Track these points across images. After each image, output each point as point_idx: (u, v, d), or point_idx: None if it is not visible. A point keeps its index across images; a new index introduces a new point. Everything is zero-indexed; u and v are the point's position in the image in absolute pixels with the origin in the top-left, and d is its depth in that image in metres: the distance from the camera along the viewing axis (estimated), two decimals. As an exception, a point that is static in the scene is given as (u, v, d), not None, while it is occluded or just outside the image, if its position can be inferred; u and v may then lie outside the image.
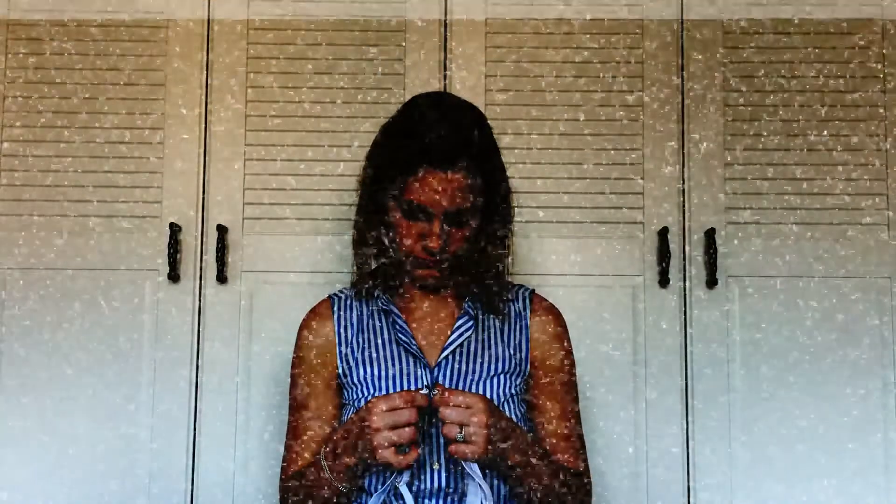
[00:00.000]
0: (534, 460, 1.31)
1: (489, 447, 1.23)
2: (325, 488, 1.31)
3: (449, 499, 1.32)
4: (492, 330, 1.44)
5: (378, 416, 1.23)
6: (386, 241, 1.40)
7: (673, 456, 1.77)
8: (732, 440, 1.77)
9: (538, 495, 1.33)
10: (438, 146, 1.31)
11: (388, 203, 1.38)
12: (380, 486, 1.32)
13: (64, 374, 1.76)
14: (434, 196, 1.31)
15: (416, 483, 1.32)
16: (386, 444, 1.22)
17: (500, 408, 1.35)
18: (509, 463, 1.29)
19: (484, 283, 1.43)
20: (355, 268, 1.47)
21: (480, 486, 1.26)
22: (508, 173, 1.45)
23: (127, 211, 1.80)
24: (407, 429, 1.22)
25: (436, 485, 1.32)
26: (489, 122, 1.42)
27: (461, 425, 1.22)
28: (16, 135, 1.81)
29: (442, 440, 1.32)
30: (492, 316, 1.45)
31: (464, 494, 1.32)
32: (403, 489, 1.28)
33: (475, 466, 1.26)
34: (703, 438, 1.77)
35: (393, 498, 1.32)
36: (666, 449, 1.77)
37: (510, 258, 1.48)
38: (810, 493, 1.76)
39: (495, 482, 1.34)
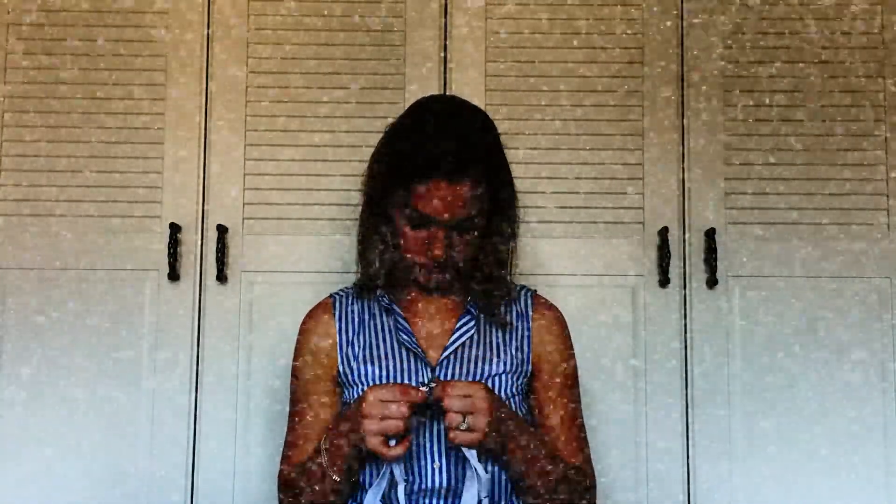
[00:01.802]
0: (536, 451, 1.32)
1: (491, 433, 1.24)
2: (322, 482, 1.31)
3: (450, 499, 1.32)
4: (494, 330, 1.44)
5: (370, 405, 1.23)
6: (389, 241, 1.40)
7: (673, 456, 1.76)
8: (732, 440, 1.77)
9: (542, 488, 1.33)
10: (447, 158, 1.29)
11: (393, 208, 1.37)
12: (375, 482, 1.31)
13: (64, 373, 1.76)
14: (440, 206, 1.31)
15: (417, 482, 1.32)
16: (376, 432, 1.23)
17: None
18: (511, 448, 1.29)
19: (486, 290, 1.42)
20: (359, 267, 1.47)
21: (476, 469, 1.27)
22: (509, 173, 1.45)
23: (127, 211, 1.80)
24: (397, 421, 1.23)
25: (436, 484, 1.32)
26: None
27: (465, 414, 1.23)
28: (16, 134, 1.81)
29: (443, 439, 1.32)
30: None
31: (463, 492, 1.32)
32: (400, 492, 1.28)
33: (474, 452, 1.26)
34: (703, 438, 1.76)
35: (393, 498, 1.32)
36: (666, 449, 1.76)
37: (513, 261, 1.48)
38: (810, 493, 1.76)
39: (497, 472, 1.34)
